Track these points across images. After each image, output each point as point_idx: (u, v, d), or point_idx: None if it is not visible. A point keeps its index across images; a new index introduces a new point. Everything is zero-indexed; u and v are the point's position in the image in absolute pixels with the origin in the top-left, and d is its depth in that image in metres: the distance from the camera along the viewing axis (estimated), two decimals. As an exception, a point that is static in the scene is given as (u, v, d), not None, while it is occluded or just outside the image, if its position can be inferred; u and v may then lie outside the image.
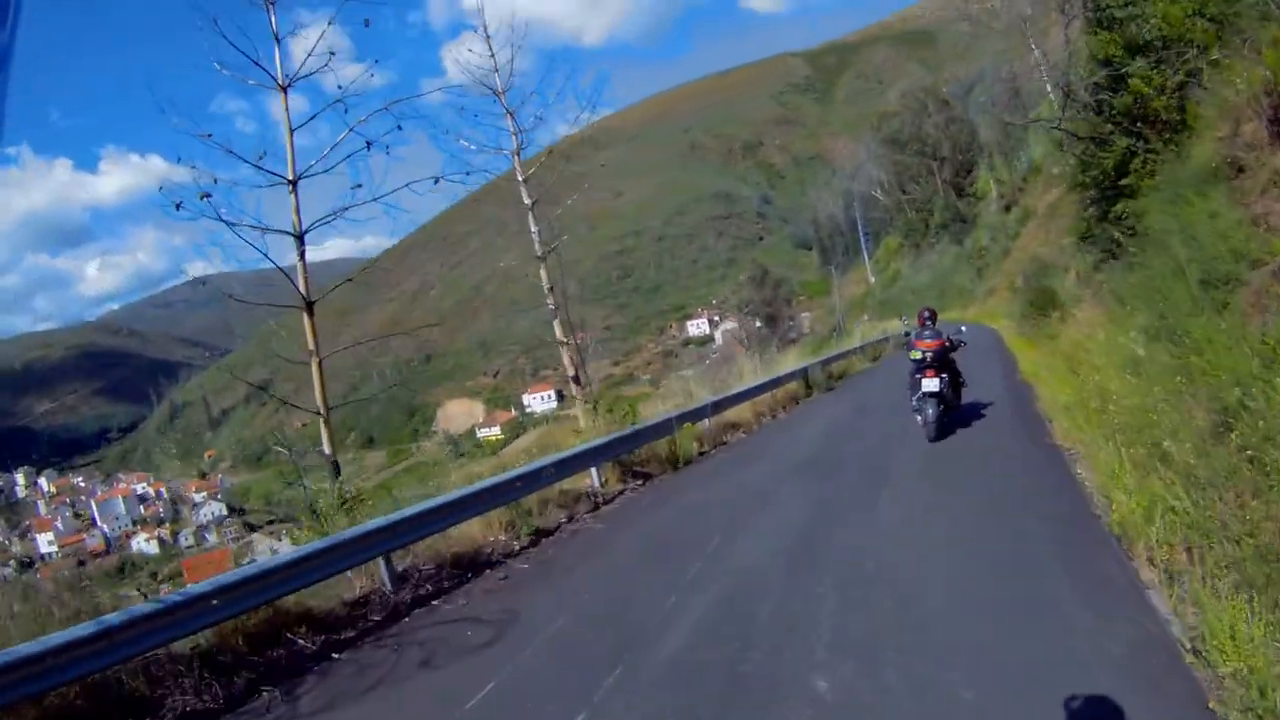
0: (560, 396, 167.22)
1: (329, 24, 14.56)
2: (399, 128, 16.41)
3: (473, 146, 21.75)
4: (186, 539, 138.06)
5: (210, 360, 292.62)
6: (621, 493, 16.07)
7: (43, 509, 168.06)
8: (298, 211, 14.68)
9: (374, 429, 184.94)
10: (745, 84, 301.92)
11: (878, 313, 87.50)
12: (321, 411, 14.60)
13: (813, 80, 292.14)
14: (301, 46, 30.19)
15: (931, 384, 16.31)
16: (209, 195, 13.02)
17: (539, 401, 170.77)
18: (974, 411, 18.54)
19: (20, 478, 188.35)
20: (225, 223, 13.40)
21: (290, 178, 14.43)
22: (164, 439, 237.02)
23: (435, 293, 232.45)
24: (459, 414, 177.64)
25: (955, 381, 17.36)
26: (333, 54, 14.35)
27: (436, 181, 15.68)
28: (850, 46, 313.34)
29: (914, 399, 16.72)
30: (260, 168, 13.94)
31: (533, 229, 22.44)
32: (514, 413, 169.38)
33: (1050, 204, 54.75)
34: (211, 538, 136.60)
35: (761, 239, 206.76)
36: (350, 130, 14.61)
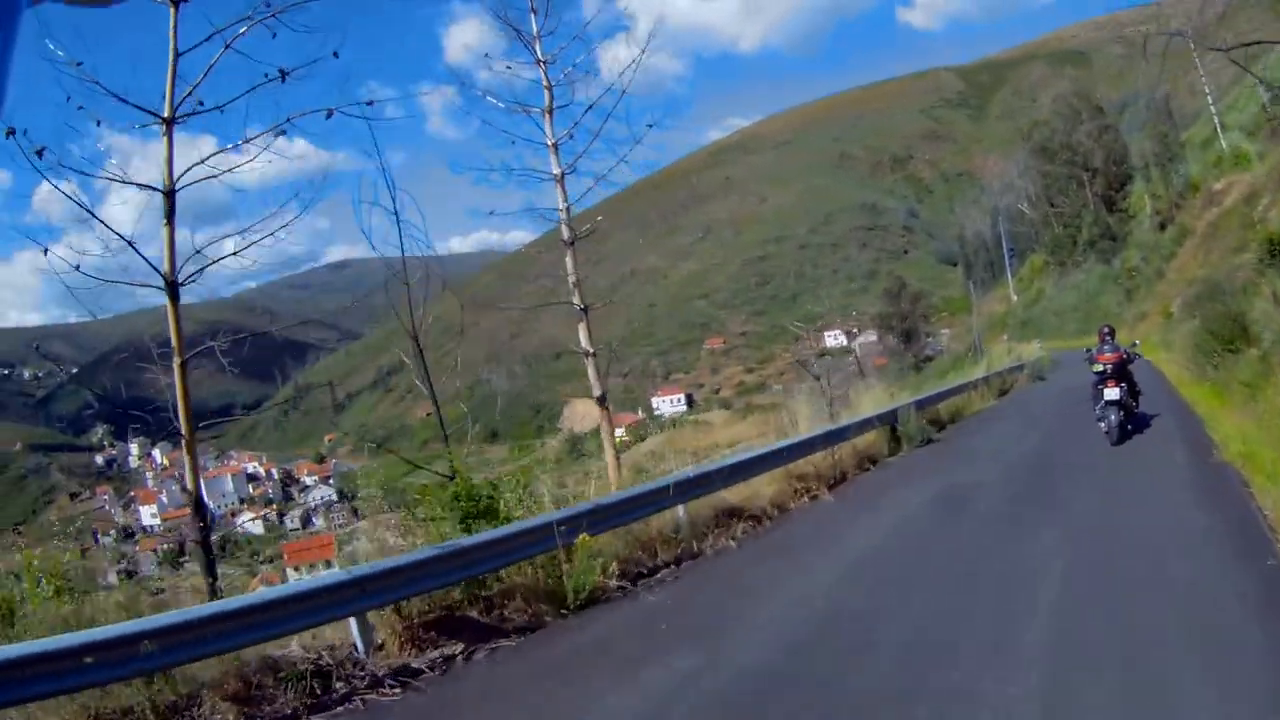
0: (690, 401, 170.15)
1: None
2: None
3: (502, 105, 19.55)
4: (292, 521, 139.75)
5: (340, 344, 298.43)
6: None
7: (150, 481, 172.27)
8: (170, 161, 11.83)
9: (499, 423, 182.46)
10: (896, 96, 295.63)
11: (1018, 333, 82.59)
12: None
13: (965, 96, 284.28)
14: None
15: (1113, 393, 17.99)
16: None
17: (668, 404, 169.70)
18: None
19: (134, 448, 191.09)
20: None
21: (166, 115, 11.50)
22: (286, 420, 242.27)
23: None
24: (586, 413, 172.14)
25: (1133, 390, 19.12)
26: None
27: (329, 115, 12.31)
28: (1004, 64, 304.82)
29: (1097, 408, 18.56)
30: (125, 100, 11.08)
31: (560, 206, 19.85)
32: (641, 415, 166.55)
33: (1210, 222, 50.45)
34: (319, 522, 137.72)
35: (906, 252, 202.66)
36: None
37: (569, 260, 20.12)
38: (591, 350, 20.19)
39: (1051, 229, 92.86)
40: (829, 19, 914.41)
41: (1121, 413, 17.92)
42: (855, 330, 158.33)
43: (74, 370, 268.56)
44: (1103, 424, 18.13)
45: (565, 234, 20.03)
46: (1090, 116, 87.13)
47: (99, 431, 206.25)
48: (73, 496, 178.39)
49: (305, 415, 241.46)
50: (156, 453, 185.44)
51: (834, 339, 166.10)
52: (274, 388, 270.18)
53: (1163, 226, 63.98)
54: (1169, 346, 34.31)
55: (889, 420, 21.50)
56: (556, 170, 19.40)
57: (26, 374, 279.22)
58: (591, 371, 20.33)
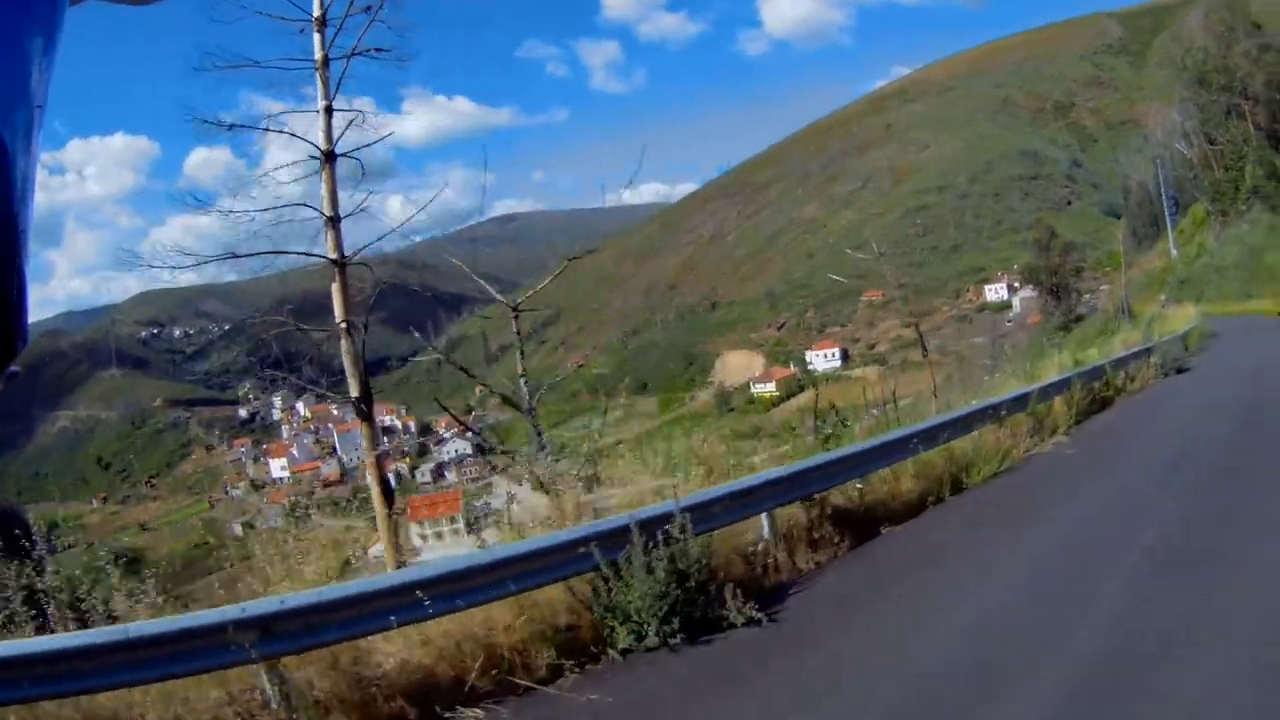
0: (845, 356, 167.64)
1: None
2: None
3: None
4: (423, 475, 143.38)
5: (499, 295, 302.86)
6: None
7: (286, 434, 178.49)
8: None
9: (650, 375, 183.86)
10: (1058, 41, 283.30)
11: (1176, 292, 75.82)
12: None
13: (1126, 41, 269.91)
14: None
15: None
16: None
17: (821, 359, 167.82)
18: None
19: (278, 401, 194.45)
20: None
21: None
22: (439, 371, 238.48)
23: (731, 239, 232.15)
24: (738, 366, 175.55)
25: None
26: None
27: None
28: (1165, 8, 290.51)
29: None
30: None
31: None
32: (793, 369, 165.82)
33: None
34: (451, 476, 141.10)
35: (1070, 203, 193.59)
36: None
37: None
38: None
39: (1211, 172, 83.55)
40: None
41: None
42: (1016, 285, 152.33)
43: (225, 327, 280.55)
44: None
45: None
46: (1247, 34, 78.99)
47: (245, 386, 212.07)
48: (209, 449, 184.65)
49: (458, 369, 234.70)
50: (300, 405, 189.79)
51: (994, 293, 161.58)
52: (431, 340, 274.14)
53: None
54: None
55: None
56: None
57: (176, 332, 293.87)
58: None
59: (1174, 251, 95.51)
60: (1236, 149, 77.73)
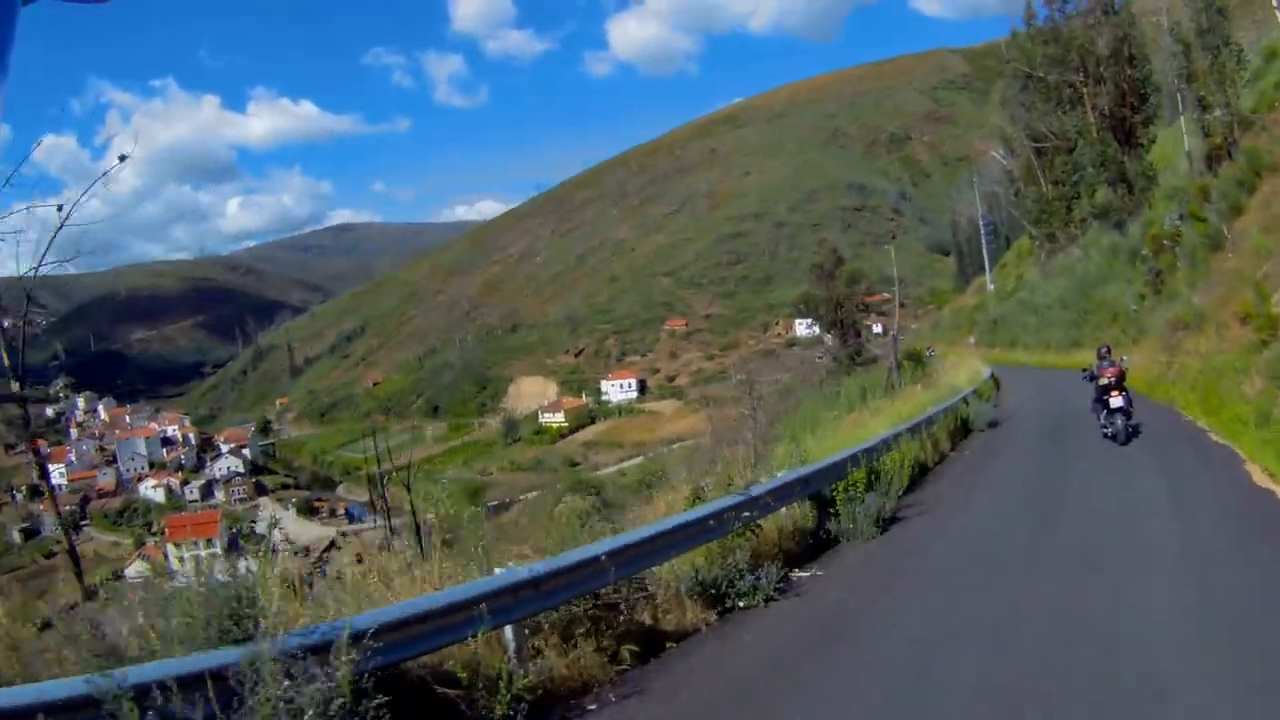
0: (643, 387, 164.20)
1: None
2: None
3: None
4: (192, 492, 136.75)
5: (310, 306, 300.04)
6: None
7: (74, 435, 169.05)
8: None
9: (442, 397, 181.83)
10: (898, 75, 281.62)
11: (987, 335, 63.57)
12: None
13: (971, 78, 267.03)
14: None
15: (1118, 400, 20.92)
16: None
17: (618, 390, 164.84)
18: None
19: (81, 401, 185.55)
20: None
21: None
22: (244, 381, 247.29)
23: (540, 259, 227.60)
24: (531, 393, 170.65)
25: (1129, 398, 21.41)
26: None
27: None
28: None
29: (1102, 416, 21.52)
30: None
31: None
32: (586, 399, 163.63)
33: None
34: (219, 495, 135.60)
35: (894, 237, 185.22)
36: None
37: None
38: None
39: (1037, 186, 63.71)
40: (845, 3, 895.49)
41: (1126, 417, 20.68)
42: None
43: (51, 320, 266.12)
44: (1108, 429, 20.98)
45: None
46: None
47: (60, 383, 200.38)
48: (8, 448, 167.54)
49: (263, 378, 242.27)
50: (100, 408, 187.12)
51: (805, 327, 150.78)
52: (240, 349, 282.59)
53: (1212, 161, 37.08)
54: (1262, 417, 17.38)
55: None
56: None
57: (6, 323, 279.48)
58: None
59: (990, 286, 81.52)
60: (1071, 147, 56.92)
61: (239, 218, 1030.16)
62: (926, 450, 21.52)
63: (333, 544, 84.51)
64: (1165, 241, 34.78)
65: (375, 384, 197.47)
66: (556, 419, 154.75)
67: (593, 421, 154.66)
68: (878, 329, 78.73)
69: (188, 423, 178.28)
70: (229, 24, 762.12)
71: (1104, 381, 21.32)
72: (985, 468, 21.48)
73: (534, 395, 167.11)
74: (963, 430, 25.83)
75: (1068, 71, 53.98)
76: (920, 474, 19.69)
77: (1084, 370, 22.82)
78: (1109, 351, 22.55)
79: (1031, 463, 21.21)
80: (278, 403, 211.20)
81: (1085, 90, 52.34)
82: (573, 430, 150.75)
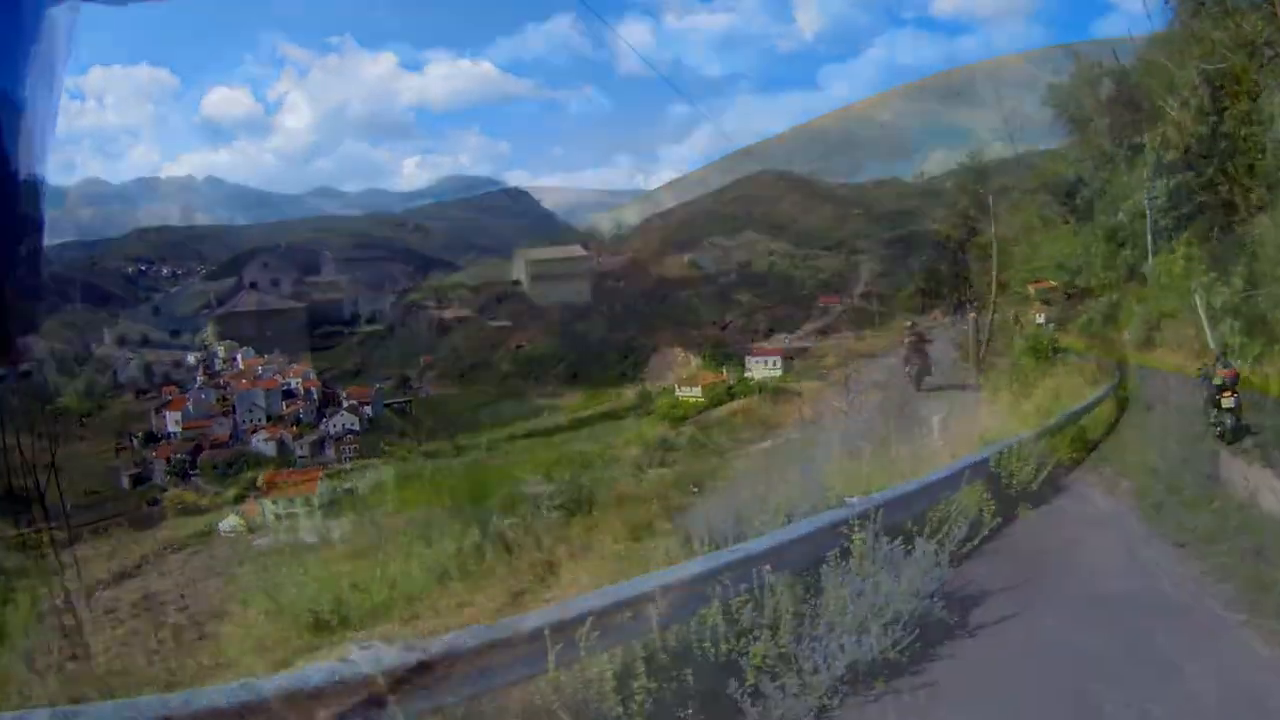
0: (789, 364, 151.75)
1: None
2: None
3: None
4: (302, 448, 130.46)
5: (472, 263, 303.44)
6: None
7: (198, 383, 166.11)
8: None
9: (584, 364, 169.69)
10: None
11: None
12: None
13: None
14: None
15: (1230, 401, 21.03)
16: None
17: (763, 365, 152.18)
18: None
19: (221, 350, 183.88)
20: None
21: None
22: (390, 337, 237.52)
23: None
24: (673, 364, 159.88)
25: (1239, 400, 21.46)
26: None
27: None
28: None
29: (1213, 414, 21.36)
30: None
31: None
32: (724, 375, 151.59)
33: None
34: (330, 452, 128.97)
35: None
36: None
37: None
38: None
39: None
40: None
41: (1236, 419, 20.70)
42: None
43: (212, 269, 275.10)
44: (1218, 427, 20.90)
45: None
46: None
47: (206, 331, 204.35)
48: (139, 394, 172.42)
49: (414, 336, 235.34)
50: (239, 357, 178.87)
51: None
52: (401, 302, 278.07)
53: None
54: None
55: None
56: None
57: (165, 270, 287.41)
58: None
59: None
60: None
61: (414, 177, 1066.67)
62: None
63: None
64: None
65: (518, 347, 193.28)
66: (694, 393, 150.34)
67: (732, 398, 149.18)
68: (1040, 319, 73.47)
69: (312, 376, 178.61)
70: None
71: (1218, 381, 21.76)
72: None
73: (675, 366, 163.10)
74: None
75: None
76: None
77: (1199, 371, 23.20)
78: (1225, 355, 23.42)
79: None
80: (421, 359, 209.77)
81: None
82: (709, 408, 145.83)
